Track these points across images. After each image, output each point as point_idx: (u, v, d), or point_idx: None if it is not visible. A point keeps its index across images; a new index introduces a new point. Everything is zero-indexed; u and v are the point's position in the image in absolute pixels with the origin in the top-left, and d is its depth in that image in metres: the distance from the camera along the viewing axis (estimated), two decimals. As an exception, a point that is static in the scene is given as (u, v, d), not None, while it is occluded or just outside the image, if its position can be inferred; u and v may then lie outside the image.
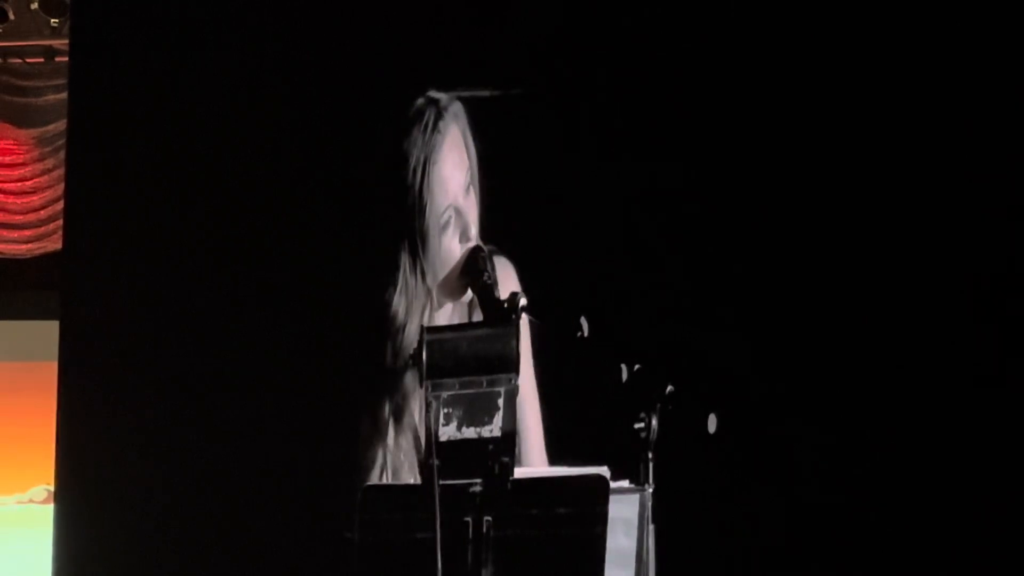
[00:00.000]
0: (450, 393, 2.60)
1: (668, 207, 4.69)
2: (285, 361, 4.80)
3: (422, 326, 2.95)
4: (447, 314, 3.17)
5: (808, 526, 4.49)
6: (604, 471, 2.60)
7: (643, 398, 2.72)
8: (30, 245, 8.46)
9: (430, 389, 2.60)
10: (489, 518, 2.56)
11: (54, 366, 5.21)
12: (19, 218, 8.51)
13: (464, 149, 3.10)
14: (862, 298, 4.63)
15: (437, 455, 2.56)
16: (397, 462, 3.07)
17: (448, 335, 2.66)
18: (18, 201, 8.51)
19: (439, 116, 3.06)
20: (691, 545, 3.40)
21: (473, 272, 3.05)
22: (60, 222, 5.97)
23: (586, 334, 2.81)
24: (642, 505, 2.73)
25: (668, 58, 4.75)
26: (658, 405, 2.72)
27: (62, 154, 6.92)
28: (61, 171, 6.96)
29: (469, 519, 2.56)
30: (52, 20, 7.80)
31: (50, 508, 5.63)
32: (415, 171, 3.04)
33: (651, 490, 2.74)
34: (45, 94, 8.27)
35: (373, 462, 3.08)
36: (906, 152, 4.65)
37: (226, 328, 4.90)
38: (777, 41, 4.73)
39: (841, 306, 4.63)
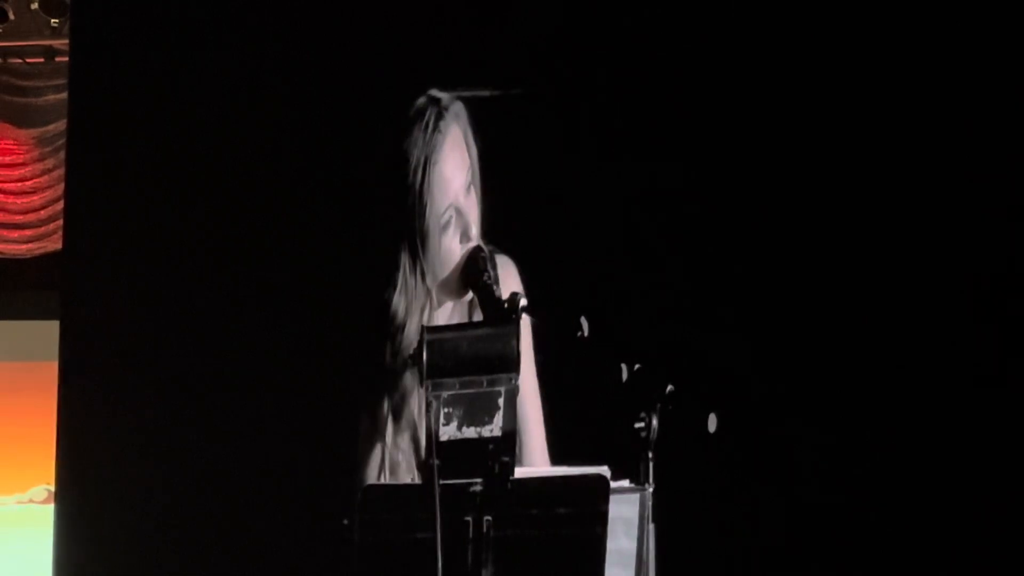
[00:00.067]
0: (450, 393, 2.59)
1: (668, 207, 4.69)
2: (285, 361, 4.81)
3: (422, 326, 2.94)
4: (447, 314, 3.16)
5: (808, 526, 4.49)
6: (604, 471, 2.60)
7: (643, 398, 2.72)
8: (30, 245, 8.45)
9: (430, 389, 2.60)
10: (489, 518, 2.56)
11: (54, 366, 5.21)
12: (19, 218, 8.51)
13: (465, 149, 3.08)
14: (862, 298, 4.63)
15: (437, 455, 2.56)
16: (395, 461, 3.06)
17: (448, 335, 2.66)
18: (18, 201, 8.51)
19: (440, 116, 3.05)
20: (691, 545, 3.39)
21: (473, 272, 3.04)
22: (60, 222, 5.97)
23: (586, 334, 2.81)
24: (642, 505, 2.72)
25: (668, 58, 4.75)
26: (658, 405, 2.71)
27: (62, 154, 6.91)
28: (61, 171, 6.96)
29: (469, 519, 2.56)
30: (52, 20, 7.80)
31: (50, 508, 5.64)
32: (416, 171, 3.02)
33: (651, 490, 2.73)
34: (45, 94, 8.27)
35: (372, 461, 3.07)
36: (906, 152, 4.65)
37: (226, 328, 4.90)
38: (777, 41, 4.73)
39: (841, 306, 4.63)
